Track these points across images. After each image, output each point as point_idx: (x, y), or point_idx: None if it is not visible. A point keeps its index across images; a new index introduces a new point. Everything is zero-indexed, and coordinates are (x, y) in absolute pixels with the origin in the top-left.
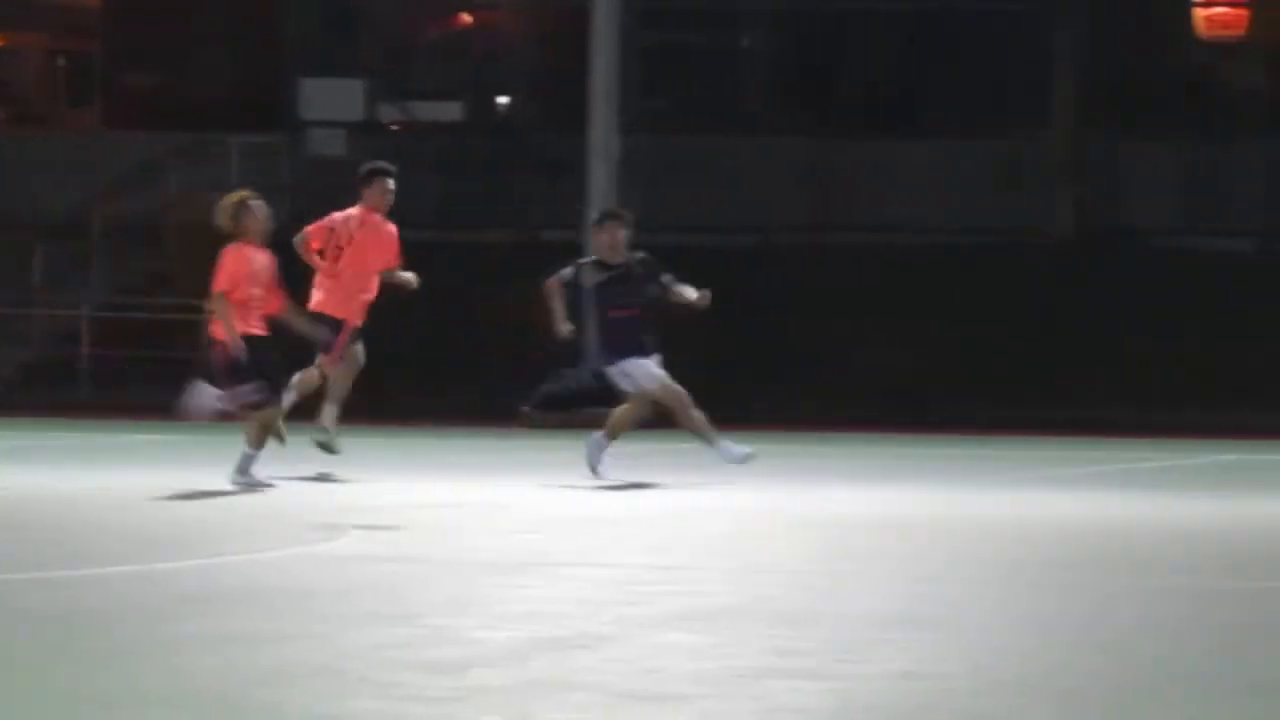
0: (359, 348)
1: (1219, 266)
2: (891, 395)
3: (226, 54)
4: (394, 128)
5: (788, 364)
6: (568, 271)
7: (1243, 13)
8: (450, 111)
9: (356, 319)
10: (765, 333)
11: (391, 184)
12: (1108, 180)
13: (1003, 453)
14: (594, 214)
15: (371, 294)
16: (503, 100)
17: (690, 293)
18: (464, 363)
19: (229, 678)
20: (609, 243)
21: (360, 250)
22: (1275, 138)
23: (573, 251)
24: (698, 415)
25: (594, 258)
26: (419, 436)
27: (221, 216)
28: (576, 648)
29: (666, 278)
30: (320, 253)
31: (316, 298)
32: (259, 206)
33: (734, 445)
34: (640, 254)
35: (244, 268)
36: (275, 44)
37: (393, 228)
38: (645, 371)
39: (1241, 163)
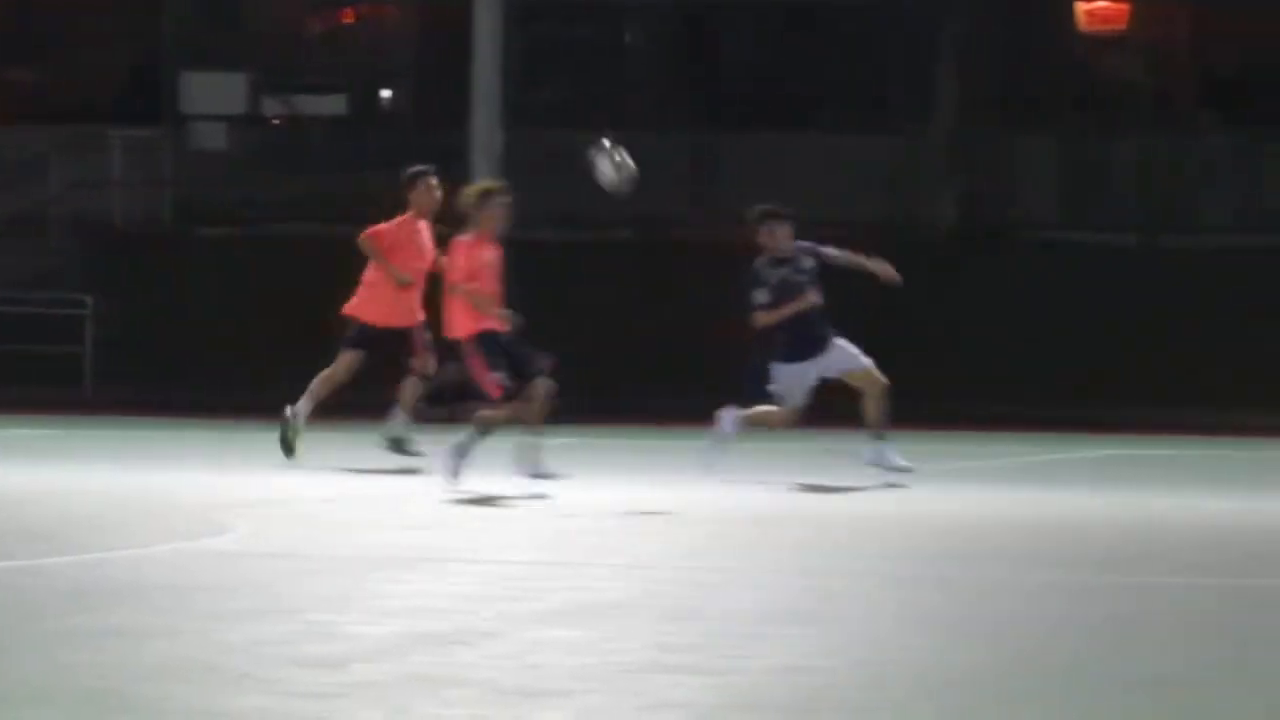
0: (355, 355)
1: (1102, 260)
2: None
3: (108, 47)
4: (276, 122)
5: (674, 358)
6: (762, 295)
7: (1123, 7)
8: (333, 105)
9: (400, 320)
10: (652, 328)
11: (435, 182)
12: (991, 174)
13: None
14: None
15: (414, 297)
16: (386, 94)
17: (833, 253)
18: None
19: (113, 673)
20: (774, 243)
21: (395, 254)
22: (1156, 132)
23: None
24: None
25: (767, 258)
26: (306, 431)
27: (465, 201)
28: (458, 643)
29: (824, 249)
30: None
31: (357, 297)
32: (505, 204)
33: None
34: (801, 243)
35: (476, 262)
36: (157, 37)
37: (426, 227)
38: (788, 389)
39: (1123, 157)
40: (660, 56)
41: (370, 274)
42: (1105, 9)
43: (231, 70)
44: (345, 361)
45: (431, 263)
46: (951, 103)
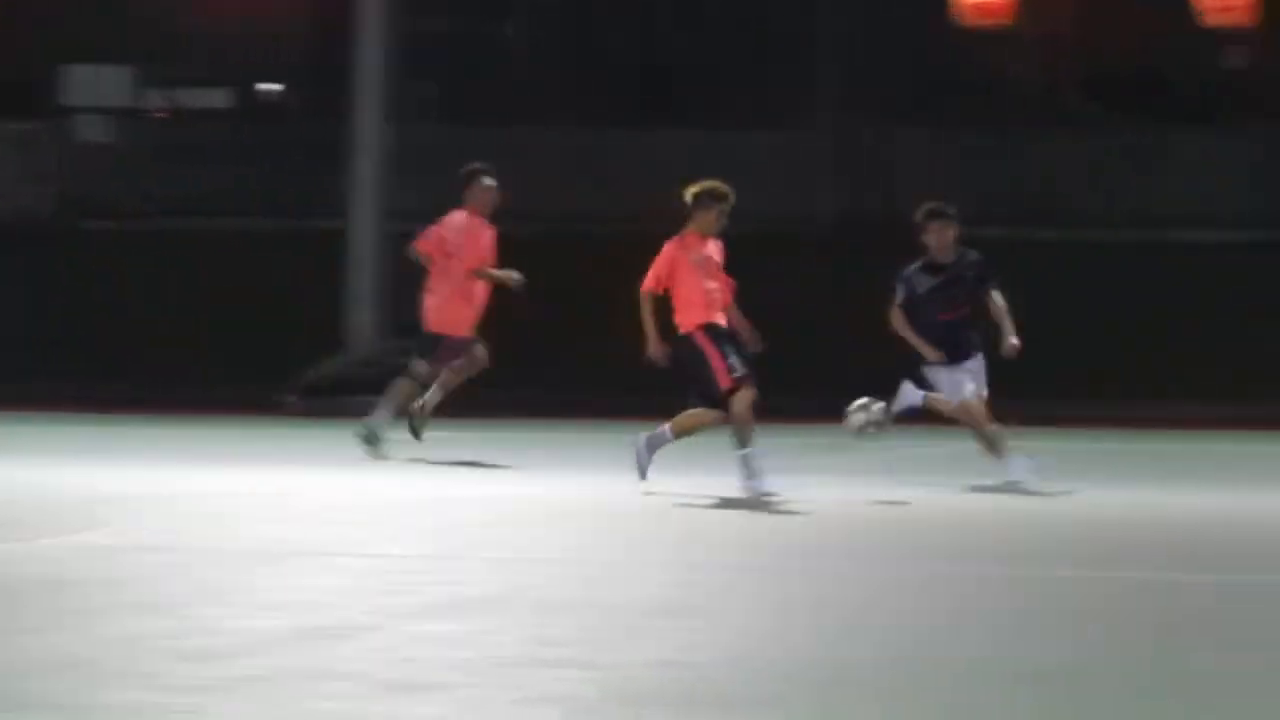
0: (480, 349)
1: (983, 253)
2: (652, 386)
3: None
4: (160, 115)
5: (558, 351)
6: (900, 291)
7: (1009, 1)
8: (218, 99)
9: (463, 328)
10: (538, 320)
11: (490, 181)
12: (874, 169)
13: (774, 440)
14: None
15: (479, 298)
16: (271, 87)
17: (998, 301)
18: (233, 351)
19: None
20: (938, 243)
21: (459, 254)
22: (1040, 125)
23: (339, 239)
24: (992, 430)
25: (922, 261)
26: (188, 426)
27: (687, 194)
28: (337, 637)
29: (994, 283)
30: (429, 259)
31: (427, 304)
32: (724, 211)
33: (1023, 460)
34: (973, 253)
35: (681, 263)
36: (40, 29)
37: (491, 231)
38: (957, 389)
39: (1007, 150)
40: (545, 49)
41: (431, 283)
42: (990, 3)
43: (115, 63)
44: (471, 358)
45: (483, 263)
46: (835, 96)
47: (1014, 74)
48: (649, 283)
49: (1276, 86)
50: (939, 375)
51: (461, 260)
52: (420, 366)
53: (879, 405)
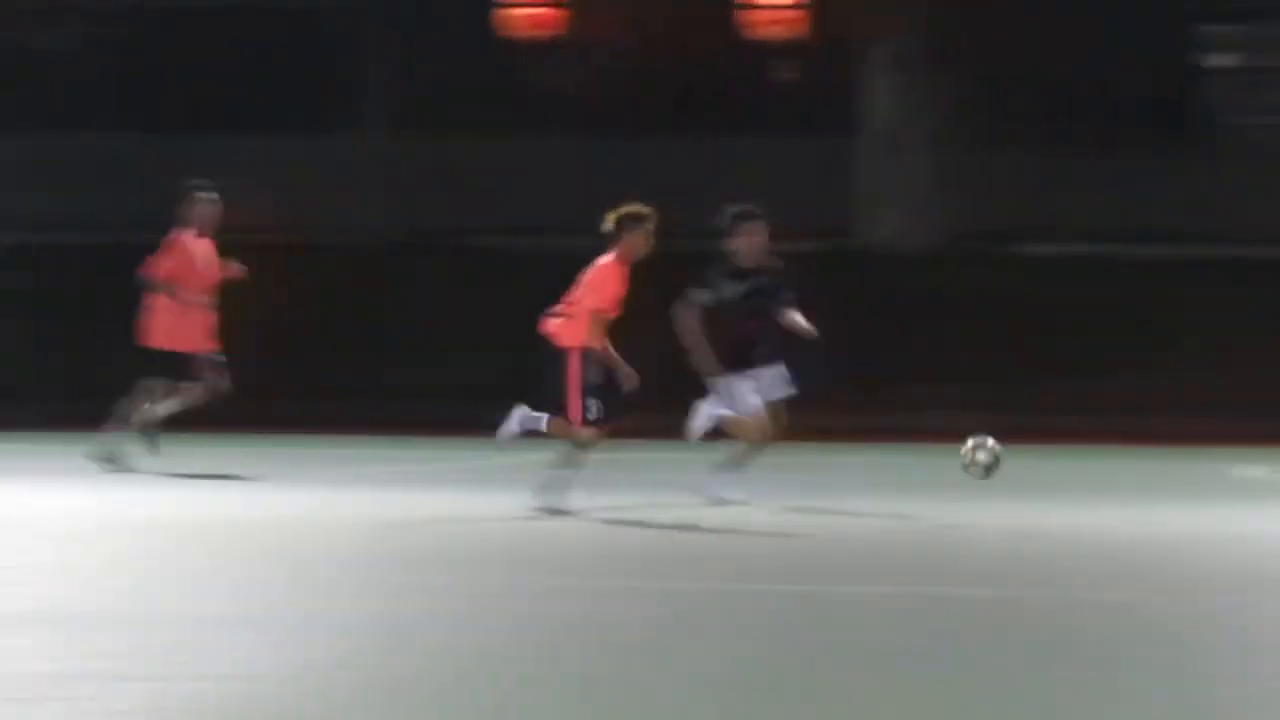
0: (223, 378)
1: (545, 264)
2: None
3: None
4: None
5: (96, 365)
6: (703, 295)
7: (557, 13)
8: None
9: (197, 344)
10: (86, 331)
11: (206, 196)
12: (424, 180)
13: (333, 451)
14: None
15: (207, 314)
16: None
17: (799, 321)
18: None
19: None
20: (747, 248)
21: (181, 273)
22: (587, 135)
23: None
24: (748, 454)
25: (728, 266)
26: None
27: (609, 221)
28: None
29: (788, 296)
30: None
31: (153, 326)
32: (650, 231)
33: (721, 484)
34: (777, 260)
35: (621, 289)
36: None
37: (207, 243)
38: (744, 403)
39: (557, 159)
40: (106, 60)
41: (152, 300)
42: (538, 15)
43: None
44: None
45: (218, 278)
46: (384, 107)
47: (564, 85)
48: (603, 304)
49: (827, 98)
50: (727, 385)
51: (181, 279)
52: (155, 385)
53: (994, 446)
